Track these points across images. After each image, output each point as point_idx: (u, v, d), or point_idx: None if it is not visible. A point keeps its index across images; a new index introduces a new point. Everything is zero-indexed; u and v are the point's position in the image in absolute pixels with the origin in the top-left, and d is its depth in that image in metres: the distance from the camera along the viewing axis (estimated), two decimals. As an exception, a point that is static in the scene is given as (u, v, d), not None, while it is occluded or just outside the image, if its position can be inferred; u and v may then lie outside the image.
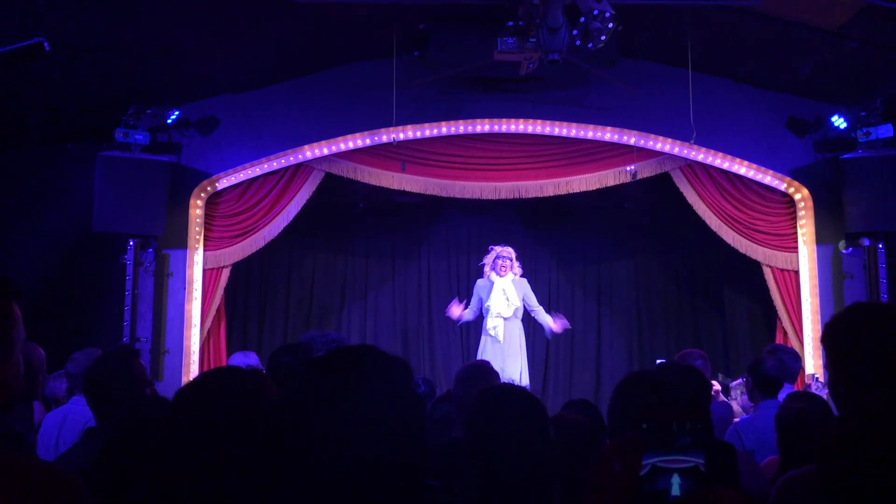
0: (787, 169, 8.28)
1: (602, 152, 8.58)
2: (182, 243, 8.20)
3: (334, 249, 10.49)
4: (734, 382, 6.30)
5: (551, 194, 8.73)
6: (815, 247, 8.24)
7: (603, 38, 6.06)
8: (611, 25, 5.97)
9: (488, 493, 1.98)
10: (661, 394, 2.13)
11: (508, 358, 7.74)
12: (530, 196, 8.79)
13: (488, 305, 7.98)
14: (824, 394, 4.74)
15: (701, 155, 8.35)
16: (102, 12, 6.23)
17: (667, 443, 1.13)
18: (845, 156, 7.85)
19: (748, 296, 9.66)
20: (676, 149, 8.34)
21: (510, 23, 6.53)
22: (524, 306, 8.11)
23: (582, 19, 6.04)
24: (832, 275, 8.20)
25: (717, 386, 5.58)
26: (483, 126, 8.41)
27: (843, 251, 8.14)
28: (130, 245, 7.90)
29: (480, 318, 8.21)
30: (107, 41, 6.64)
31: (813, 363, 7.97)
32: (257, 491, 1.52)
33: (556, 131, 8.45)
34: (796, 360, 5.08)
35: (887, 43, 6.74)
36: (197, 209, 8.32)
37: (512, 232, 10.34)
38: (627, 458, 1.14)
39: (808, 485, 1.79)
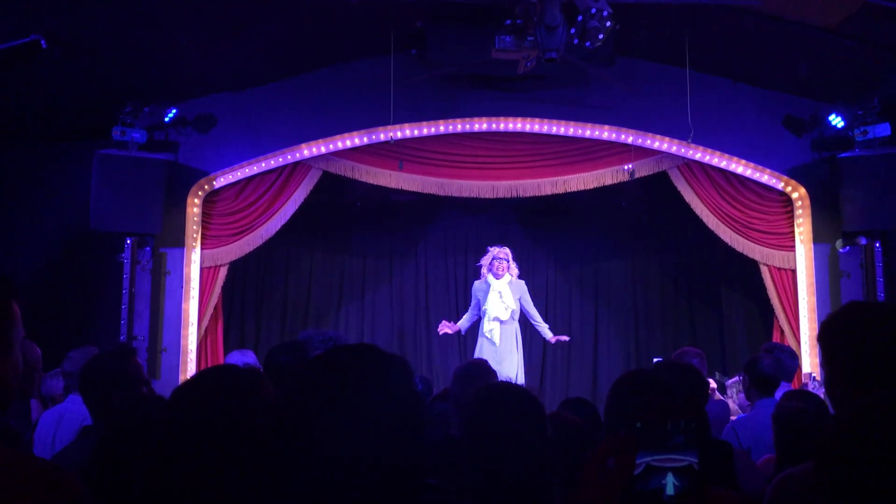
0: (785, 168, 8.29)
1: (600, 151, 8.58)
2: (179, 242, 8.19)
3: (332, 248, 10.48)
4: (730, 381, 6.31)
5: (549, 193, 8.73)
6: (812, 245, 8.25)
7: (601, 36, 6.06)
8: (608, 24, 5.97)
9: (486, 492, 1.98)
10: (658, 392, 2.13)
11: (505, 360, 7.74)
12: (528, 195, 8.79)
13: (485, 308, 7.99)
14: (821, 392, 4.74)
15: (698, 154, 8.35)
16: (99, 10, 6.22)
17: (661, 441, 1.13)
18: (842, 154, 7.85)
19: (745, 294, 9.67)
20: (674, 148, 8.35)
21: (508, 21, 6.53)
22: (522, 311, 8.13)
23: (580, 18, 6.04)
24: (829, 273, 8.22)
25: (712, 384, 5.58)
26: (481, 125, 8.40)
27: (840, 250, 8.15)
28: (128, 243, 7.89)
29: (478, 319, 8.23)
30: (104, 39, 6.62)
31: (810, 361, 7.99)
32: (255, 490, 1.52)
33: (554, 130, 8.44)
34: (793, 358, 5.09)
35: (885, 42, 6.74)
36: (194, 207, 8.31)
37: (509, 231, 10.35)
38: (621, 456, 1.13)
39: (804, 483, 1.80)
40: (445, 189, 8.69)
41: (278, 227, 8.52)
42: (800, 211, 8.38)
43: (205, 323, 8.36)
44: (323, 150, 8.40)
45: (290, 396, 1.46)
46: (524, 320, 8.26)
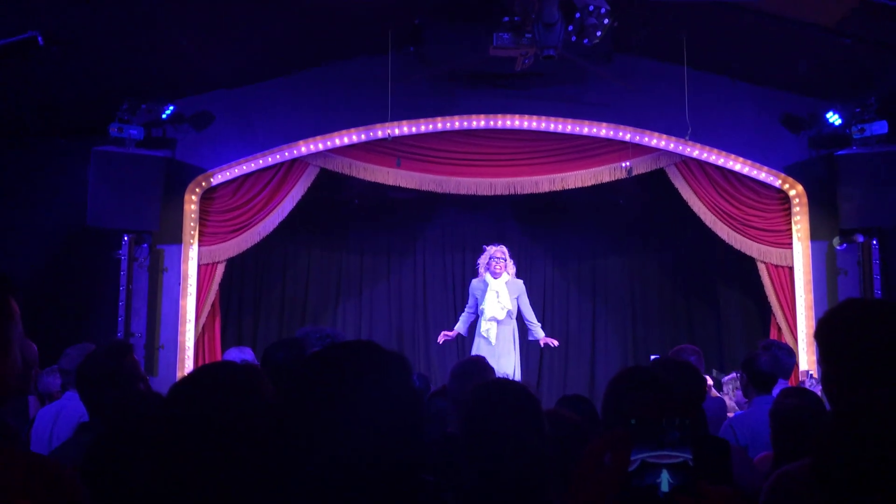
0: (782, 165, 8.29)
1: (597, 148, 8.58)
2: (177, 239, 8.18)
3: (329, 245, 10.48)
4: (726, 377, 6.31)
5: (546, 190, 8.73)
6: (809, 243, 8.26)
7: (598, 33, 6.07)
8: (606, 21, 5.98)
9: (483, 488, 1.98)
10: (655, 389, 2.13)
11: (502, 358, 7.75)
12: (525, 192, 8.79)
13: (482, 308, 8.00)
14: (818, 390, 4.75)
15: (696, 151, 8.35)
16: (97, 7, 6.21)
17: (656, 438, 1.13)
18: (840, 152, 7.86)
19: (742, 292, 9.68)
20: (672, 145, 8.35)
21: (506, 18, 6.53)
22: (518, 310, 8.14)
23: (577, 15, 6.04)
24: (826, 271, 8.22)
25: (709, 381, 5.59)
26: (478, 122, 8.40)
27: (838, 247, 8.16)
28: (125, 240, 7.88)
29: (476, 318, 8.24)
30: (101, 36, 6.61)
31: (807, 359, 7.99)
32: (253, 486, 1.52)
33: (552, 127, 8.44)
34: (790, 355, 5.09)
35: (882, 40, 6.75)
36: (192, 204, 8.30)
37: (507, 228, 10.36)
38: (617, 452, 1.14)
39: (800, 480, 1.80)
40: (443, 186, 8.68)
41: (276, 224, 8.51)
42: (797, 208, 8.39)
43: (202, 320, 8.36)
44: (320, 147, 8.39)
45: (288, 393, 1.46)
46: (520, 319, 8.27)
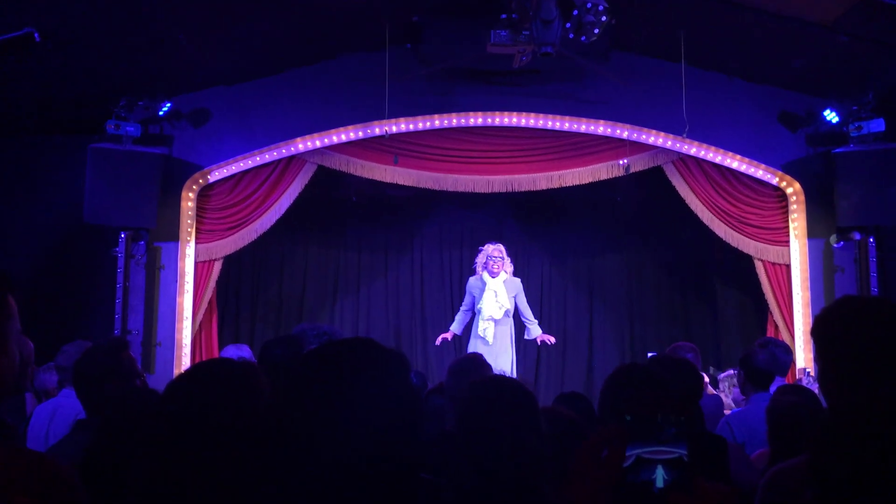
0: (779, 163, 8.30)
1: (595, 146, 8.58)
2: (174, 236, 8.18)
3: (326, 243, 10.47)
4: (722, 374, 6.32)
5: (544, 188, 8.72)
6: (806, 240, 8.27)
7: (596, 31, 6.07)
8: (604, 18, 5.98)
9: (480, 485, 1.98)
10: (651, 386, 2.14)
11: (499, 357, 7.74)
12: (523, 189, 8.78)
13: (480, 307, 7.99)
14: (815, 387, 4.76)
15: (693, 149, 8.36)
16: (93, 3, 6.20)
17: (651, 434, 1.13)
18: (837, 150, 7.87)
19: (739, 289, 9.69)
20: (669, 142, 8.35)
21: (503, 15, 6.53)
22: (517, 309, 8.14)
23: (575, 12, 6.05)
24: (823, 268, 8.23)
25: (705, 378, 5.59)
26: (476, 119, 8.40)
27: (835, 245, 8.17)
28: (122, 237, 7.88)
29: (473, 315, 8.25)
30: (98, 33, 6.60)
31: (804, 356, 8.01)
32: (250, 484, 1.52)
33: (549, 125, 8.44)
34: (787, 353, 5.10)
35: (880, 37, 6.75)
36: (189, 202, 8.29)
37: (505, 226, 10.36)
38: (612, 448, 1.14)
39: (797, 477, 1.80)
40: (441, 184, 8.68)
41: (273, 221, 8.50)
42: (794, 206, 8.40)
43: (199, 317, 8.35)
44: (318, 144, 8.39)
45: (285, 391, 1.45)
46: (516, 317, 8.28)
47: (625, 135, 8.40)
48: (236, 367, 1.72)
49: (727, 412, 4.79)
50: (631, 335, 10.50)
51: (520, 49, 6.68)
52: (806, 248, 8.27)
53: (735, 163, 8.41)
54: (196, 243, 8.37)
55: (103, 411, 2.73)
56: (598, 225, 10.43)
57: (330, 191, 9.50)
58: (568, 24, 6.15)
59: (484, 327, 7.93)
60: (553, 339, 8.40)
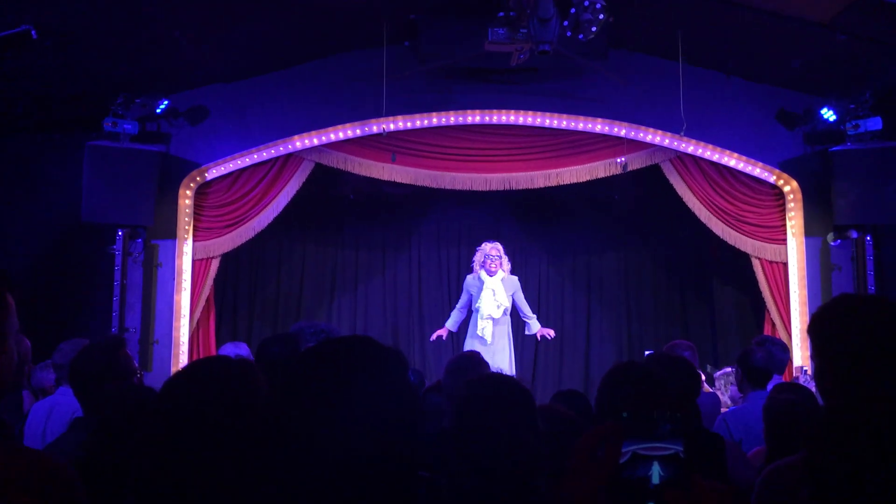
0: (777, 161, 8.31)
1: (592, 144, 8.58)
2: (171, 234, 8.17)
3: (324, 240, 10.47)
4: (718, 372, 6.33)
5: (541, 186, 8.72)
6: (803, 239, 8.28)
7: (594, 29, 6.06)
8: (602, 17, 5.97)
9: (477, 483, 1.98)
10: (648, 384, 2.14)
11: (496, 355, 7.76)
12: (521, 188, 8.78)
13: (478, 306, 8.00)
14: (812, 386, 4.77)
15: (691, 147, 8.36)
16: (91, 1, 6.18)
17: (648, 430, 1.14)
18: (834, 148, 7.88)
19: (737, 287, 9.70)
20: (667, 141, 8.36)
21: (501, 13, 6.52)
22: (514, 306, 8.15)
23: (573, 10, 6.04)
24: (820, 267, 8.25)
25: (701, 376, 5.59)
26: (474, 117, 8.40)
27: (832, 243, 8.18)
28: (119, 235, 7.87)
29: (471, 314, 8.25)
30: (95, 30, 6.59)
31: (801, 354, 8.02)
32: (247, 481, 1.52)
33: (547, 123, 8.44)
34: (784, 351, 5.12)
35: (877, 36, 6.76)
36: (186, 199, 8.29)
37: (502, 224, 10.36)
38: (608, 445, 1.14)
39: (791, 474, 1.81)
40: (438, 181, 8.68)
41: (270, 219, 8.50)
42: (791, 204, 8.41)
43: (197, 315, 8.35)
44: (315, 142, 8.38)
45: (283, 389, 1.45)
46: (516, 315, 8.28)
47: (622, 133, 8.41)
48: (233, 364, 1.72)
49: (724, 410, 4.80)
50: (628, 333, 10.52)
51: (517, 47, 6.68)
52: (803, 247, 8.28)
53: (732, 161, 8.42)
54: (193, 241, 8.36)
55: (100, 409, 2.73)
56: (596, 223, 10.44)
57: (327, 189, 9.50)
58: (566, 23, 6.15)
59: (482, 326, 7.94)
60: (553, 333, 8.42)
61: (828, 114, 7.96)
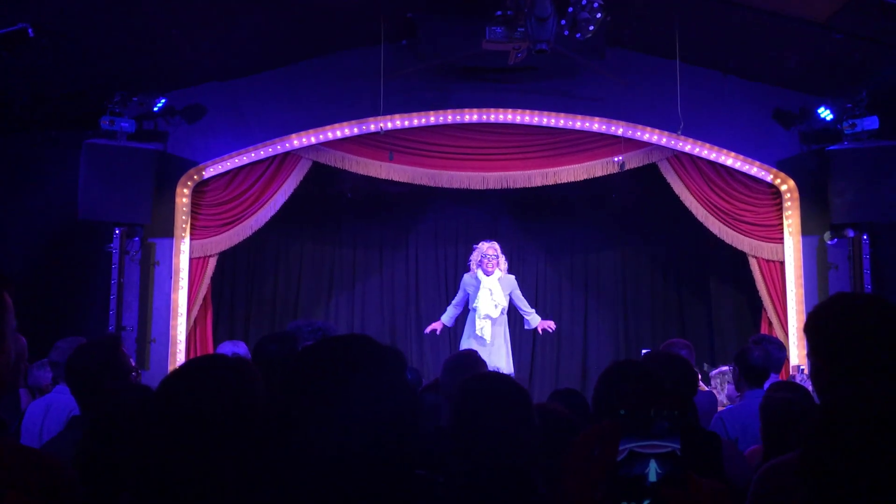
0: (774, 160, 8.31)
1: (590, 143, 8.58)
2: (168, 232, 8.16)
3: (322, 239, 10.47)
4: (714, 371, 6.33)
5: (539, 184, 8.73)
6: (800, 238, 8.29)
7: (591, 28, 6.06)
8: (599, 16, 5.97)
9: (473, 481, 1.98)
10: (645, 382, 2.14)
11: (493, 355, 7.77)
12: (518, 186, 8.78)
13: (475, 306, 8.01)
14: (808, 385, 4.78)
15: (688, 146, 8.37)
16: (88, -2, 6.18)
17: (645, 428, 1.14)
18: (831, 147, 7.89)
19: (734, 286, 9.71)
20: (664, 139, 8.36)
21: (498, 12, 6.52)
22: (512, 304, 8.16)
23: (570, 9, 6.04)
24: (817, 266, 8.25)
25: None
26: (471, 116, 8.39)
27: (829, 242, 8.19)
28: (116, 234, 7.85)
29: (466, 311, 8.26)
30: (92, 28, 6.57)
31: (798, 353, 8.03)
32: (244, 481, 1.52)
33: (545, 121, 8.44)
34: (781, 350, 5.13)
35: (873, 35, 6.77)
36: (183, 198, 8.28)
37: (500, 222, 10.36)
38: (605, 443, 1.14)
39: (788, 473, 1.81)
40: (436, 180, 8.67)
41: (268, 217, 8.49)
42: (788, 203, 8.42)
43: (194, 313, 8.34)
44: (313, 140, 8.37)
45: (281, 387, 1.45)
46: (512, 313, 8.28)
47: (620, 132, 8.41)
48: (229, 363, 1.72)
49: (720, 409, 4.81)
50: (626, 332, 10.53)
51: (515, 46, 6.68)
52: (800, 246, 8.29)
53: (730, 160, 8.42)
54: (191, 239, 8.36)
55: (97, 408, 2.73)
56: (594, 222, 10.44)
57: (325, 187, 9.50)
58: (563, 22, 6.15)
59: (481, 326, 7.95)
60: (553, 325, 8.43)
61: (824, 113, 7.97)
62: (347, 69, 8.16)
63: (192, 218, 8.39)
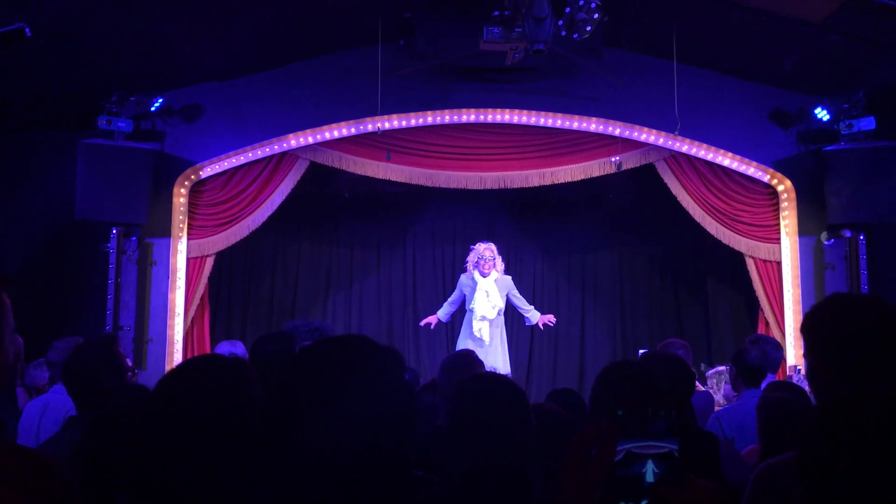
0: (771, 160, 8.33)
1: (587, 143, 8.59)
2: (166, 232, 8.15)
3: (319, 239, 10.46)
4: (710, 371, 6.34)
5: (536, 184, 8.73)
6: (797, 238, 8.30)
7: (588, 28, 6.07)
8: (596, 16, 5.98)
9: (470, 481, 1.98)
10: (643, 382, 2.15)
11: (490, 355, 7.77)
12: (515, 186, 8.79)
13: (472, 308, 8.01)
14: (805, 384, 4.78)
15: (685, 146, 8.38)
16: (85, -2, 6.17)
17: (642, 429, 1.14)
18: (828, 148, 7.90)
19: (731, 286, 9.72)
20: (661, 140, 8.37)
21: (496, 12, 6.52)
22: (511, 304, 8.17)
23: (567, 9, 6.04)
24: (814, 266, 8.27)
25: (694, 375, 5.60)
26: (469, 116, 8.40)
27: (825, 242, 8.20)
28: (113, 233, 7.85)
29: (462, 311, 8.26)
30: (89, 27, 6.56)
31: (794, 353, 8.04)
32: (242, 481, 1.52)
33: (542, 121, 8.45)
34: (778, 350, 5.13)
35: (870, 36, 6.78)
36: (181, 197, 8.27)
37: (497, 222, 10.36)
38: (603, 443, 1.14)
39: (784, 472, 1.81)
40: (433, 180, 8.68)
41: (265, 217, 8.49)
42: (785, 203, 8.43)
43: (191, 313, 8.33)
44: (310, 140, 8.37)
45: (279, 387, 1.45)
46: (509, 313, 8.28)
47: (617, 132, 8.42)
48: (227, 363, 1.72)
49: (717, 409, 4.81)
50: (623, 332, 10.54)
51: (512, 46, 6.68)
52: (797, 246, 8.30)
53: (727, 160, 8.43)
54: (188, 239, 8.35)
55: (94, 408, 2.73)
56: (591, 222, 10.45)
57: (322, 187, 9.49)
58: (560, 22, 6.15)
59: (479, 327, 7.96)
60: (554, 319, 8.42)
61: (821, 113, 7.98)
62: (345, 69, 8.16)
63: (190, 218, 8.38)
